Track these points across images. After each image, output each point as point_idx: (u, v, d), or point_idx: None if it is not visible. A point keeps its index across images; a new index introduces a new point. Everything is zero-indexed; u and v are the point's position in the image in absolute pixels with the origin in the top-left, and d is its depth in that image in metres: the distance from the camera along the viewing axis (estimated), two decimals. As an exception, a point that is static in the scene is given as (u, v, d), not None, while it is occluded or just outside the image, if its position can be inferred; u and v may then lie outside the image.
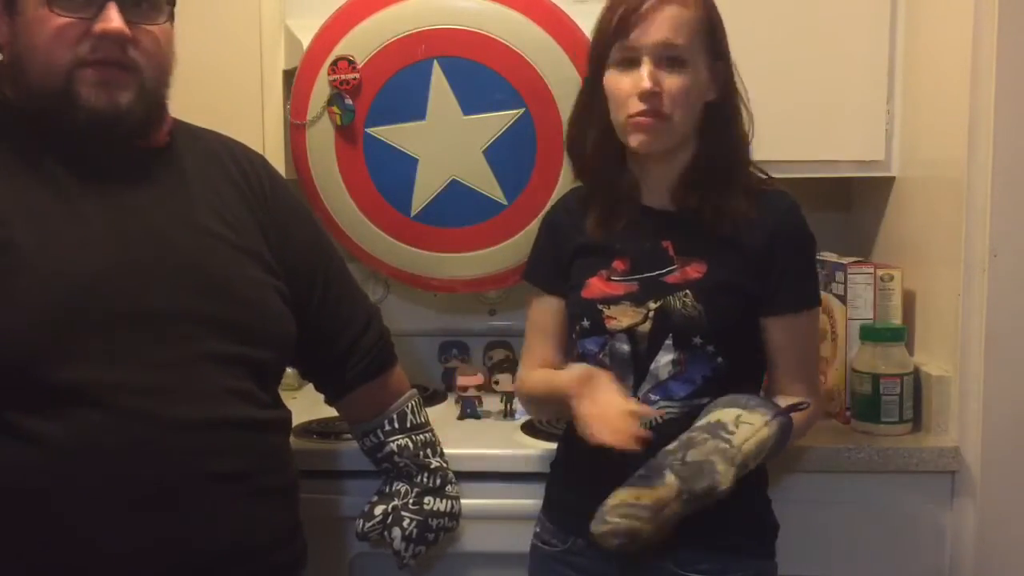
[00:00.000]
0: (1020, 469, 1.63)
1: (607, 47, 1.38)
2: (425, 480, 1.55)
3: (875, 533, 1.68)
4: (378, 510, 1.54)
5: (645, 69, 1.34)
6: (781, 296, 1.41)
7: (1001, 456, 1.63)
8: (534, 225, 1.65)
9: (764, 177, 1.47)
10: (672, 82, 1.34)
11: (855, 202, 2.17)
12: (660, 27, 1.34)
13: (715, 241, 1.40)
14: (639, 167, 1.43)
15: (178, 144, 1.35)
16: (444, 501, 1.56)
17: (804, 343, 1.46)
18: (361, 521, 1.54)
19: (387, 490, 1.56)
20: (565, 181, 1.78)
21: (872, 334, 1.75)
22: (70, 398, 1.16)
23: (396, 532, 1.52)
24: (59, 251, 1.19)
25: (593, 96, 1.42)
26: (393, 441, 1.54)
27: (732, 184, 1.41)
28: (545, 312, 1.53)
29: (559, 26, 1.82)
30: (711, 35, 1.38)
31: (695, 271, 1.39)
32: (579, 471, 1.45)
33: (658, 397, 1.39)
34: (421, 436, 1.57)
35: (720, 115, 1.41)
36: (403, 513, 1.53)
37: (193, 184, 1.33)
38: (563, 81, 1.79)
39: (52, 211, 1.21)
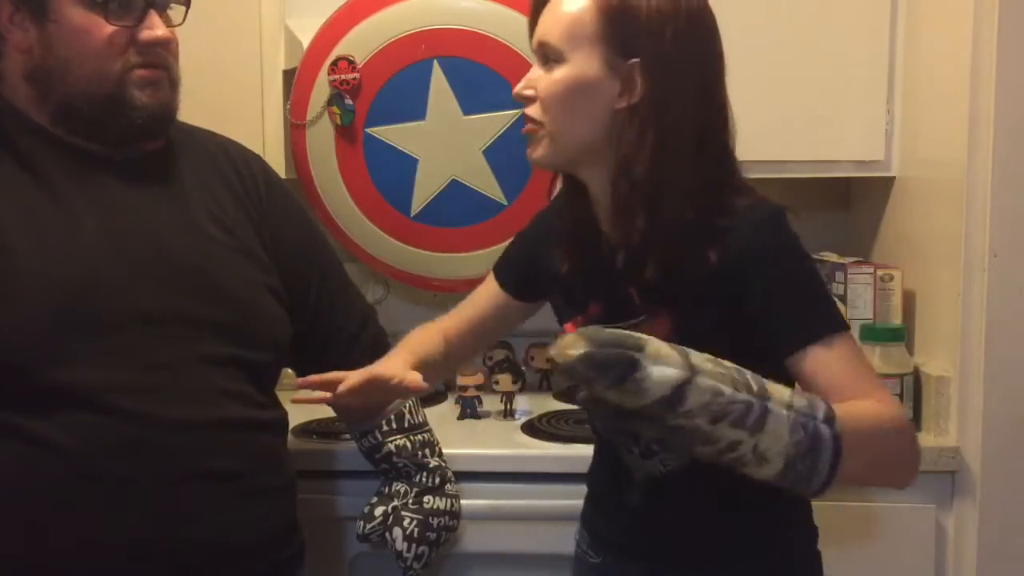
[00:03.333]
0: (1020, 469, 1.62)
1: None
2: (424, 479, 1.55)
3: (875, 533, 1.68)
4: (378, 511, 1.54)
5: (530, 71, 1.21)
6: (784, 333, 1.14)
7: (1001, 456, 1.63)
8: (534, 225, 1.65)
9: (728, 197, 1.17)
10: (541, 82, 1.18)
11: (855, 202, 2.17)
12: (541, 26, 1.19)
13: (676, 286, 1.17)
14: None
15: (174, 145, 1.35)
16: (444, 499, 1.56)
17: (845, 366, 1.12)
18: (362, 523, 1.54)
19: (386, 491, 1.56)
20: (565, 181, 1.78)
21: (872, 334, 1.75)
22: (65, 399, 1.17)
23: (397, 532, 1.52)
24: (54, 254, 1.20)
25: None
26: (391, 441, 1.54)
27: (666, 212, 1.15)
28: (483, 291, 1.43)
29: (559, 26, 1.83)
30: (611, 29, 1.14)
31: (661, 325, 1.17)
32: (599, 487, 1.40)
33: (659, 447, 1.24)
34: (419, 436, 1.57)
35: (628, 124, 1.15)
36: (403, 513, 1.53)
37: (189, 185, 1.34)
38: (563, 81, 1.79)
39: (48, 214, 1.22)
